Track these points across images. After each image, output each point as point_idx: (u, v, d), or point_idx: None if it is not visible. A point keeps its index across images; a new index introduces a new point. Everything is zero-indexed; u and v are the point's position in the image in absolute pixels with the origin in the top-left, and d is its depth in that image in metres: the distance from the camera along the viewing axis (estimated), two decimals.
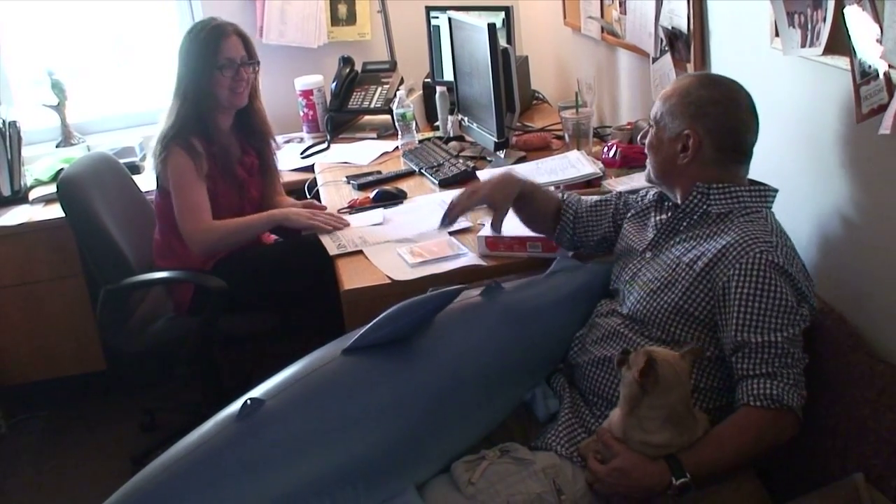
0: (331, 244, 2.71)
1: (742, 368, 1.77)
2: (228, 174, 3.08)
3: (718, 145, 1.93)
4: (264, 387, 1.81)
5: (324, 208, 3.05)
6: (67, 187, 3.07)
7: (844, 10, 1.75)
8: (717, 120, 1.92)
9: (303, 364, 1.88)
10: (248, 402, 1.72)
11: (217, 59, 2.99)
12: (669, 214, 2.05)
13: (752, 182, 1.97)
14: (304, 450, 1.70)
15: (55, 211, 3.38)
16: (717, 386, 1.87)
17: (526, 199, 2.32)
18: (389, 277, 2.44)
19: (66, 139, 4.01)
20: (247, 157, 3.17)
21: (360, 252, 2.61)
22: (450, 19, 3.41)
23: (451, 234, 2.65)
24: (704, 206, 1.94)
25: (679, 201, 2.01)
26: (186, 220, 2.96)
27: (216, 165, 3.03)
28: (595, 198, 2.34)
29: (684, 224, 1.98)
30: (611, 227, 2.25)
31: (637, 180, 2.72)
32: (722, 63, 2.47)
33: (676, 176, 1.99)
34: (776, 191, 1.96)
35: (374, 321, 1.89)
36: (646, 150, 2.07)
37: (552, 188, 2.61)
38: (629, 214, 2.21)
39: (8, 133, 3.67)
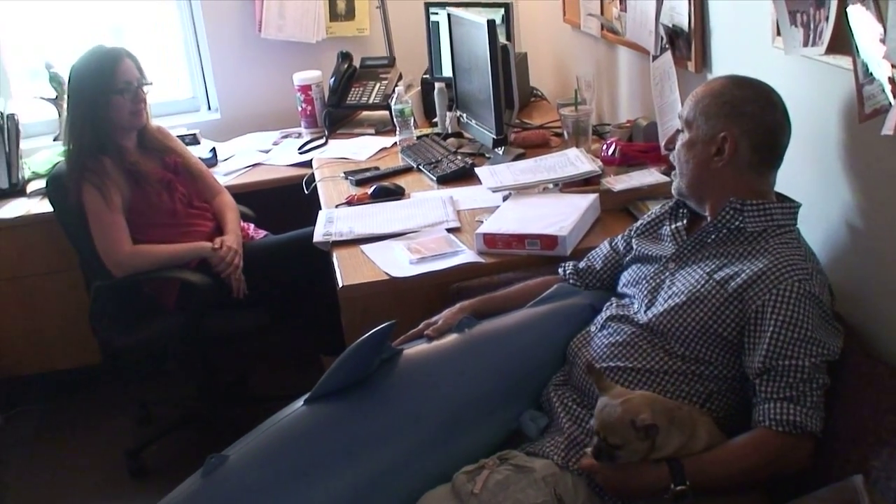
0: (319, 231, 2.75)
1: (765, 391, 1.74)
2: (149, 180, 3.07)
3: (755, 146, 1.88)
4: (236, 444, 1.85)
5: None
6: (57, 183, 3.07)
7: (847, 10, 1.74)
8: (754, 120, 1.87)
9: (270, 418, 1.90)
10: (212, 458, 1.78)
11: (115, 83, 3.00)
12: (685, 222, 2.02)
13: (778, 196, 1.95)
14: (263, 499, 1.74)
15: None
16: (732, 404, 1.84)
17: (488, 310, 2.19)
18: (387, 274, 2.43)
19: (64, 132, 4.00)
20: (168, 158, 3.18)
21: (358, 248, 2.61)
22: (449, 15, 3.40)
23: (449, 231, 2.65)
24: (738, 223, 1.89)
25: (708, 214, 1.96)
26: (106, 244, 2.99)
27: (133, 177, 3.04)
28: (595, 260, 2.25)
29: (712, 237, 1.93)
30: (619, 266, 2.20)
31: (636, 178, 2.71)
32: (723, 62, 2.46)
33: (709, 183, 1.93)
34: (800, 205, 1.93)
35: (330, 368, 1.90)
36: (674, 157, 2.00)
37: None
38: (635, 234, 2.16)
39: (6, 126, 3.67)
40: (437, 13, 3.78)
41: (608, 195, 2.68)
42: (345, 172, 3.31)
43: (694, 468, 1.70)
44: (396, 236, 2.65)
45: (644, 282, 2.02)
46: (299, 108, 3.99)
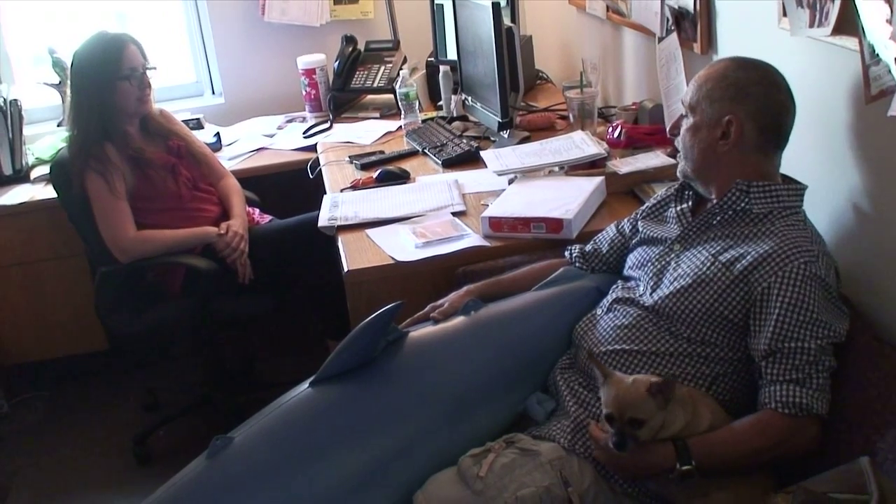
0: (324, 215, 2.74)
1: (771, 373, 1.74)
2: (153, 164, 3.08)
3: (761, 128, 1.87)
4: (242, 426, 1.84)
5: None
6: (61, 170, 3.07)
7: None
8: (759, 101, 1.86)
9: (275, 401, 1.90)
10: (218, 440, 1.77)
11: (121, 69, 3.00)
12: (691, 203, 2.01)
13: (784, 178, 1.94)
14: (268, 480, 1.73)
15: None
16: (737, 386, 1.84)
17: (494, 293, 2.19)
18: (393, 258, 2.43)
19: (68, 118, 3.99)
20: (171, 142, 3.18)
21: (364, 232, 2.60)
22: None
23: (454, 214, 2.64)
24: (744, 204, 1.88)
25: (715, 197, 1.95)
26: (110, 230, 2.99)
27: (136, 163, 3.05)
28: (601, 243, 2.25)
29: (718, 219, 1.92)
30: (625, 249, 2.19)
31: (642, 161, 2.70)
32: (729, 43, 2.45)
33: (715, 167, 1.92)
34: (806, 186, 1.92)
35: (335, 349, 1.90)
36: (678, 142, 1.99)
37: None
38: (640, 216, 2.15)
39: (9, 112, 3.66)
40: None
41: (614, 178, 2.67)
42: (350, 156, 3.30)
43: (699, 448, 1.70)
44: (402, 220, 2.65)
45: (649, 264, 2.01)
46: (304, 92, 3.98)
